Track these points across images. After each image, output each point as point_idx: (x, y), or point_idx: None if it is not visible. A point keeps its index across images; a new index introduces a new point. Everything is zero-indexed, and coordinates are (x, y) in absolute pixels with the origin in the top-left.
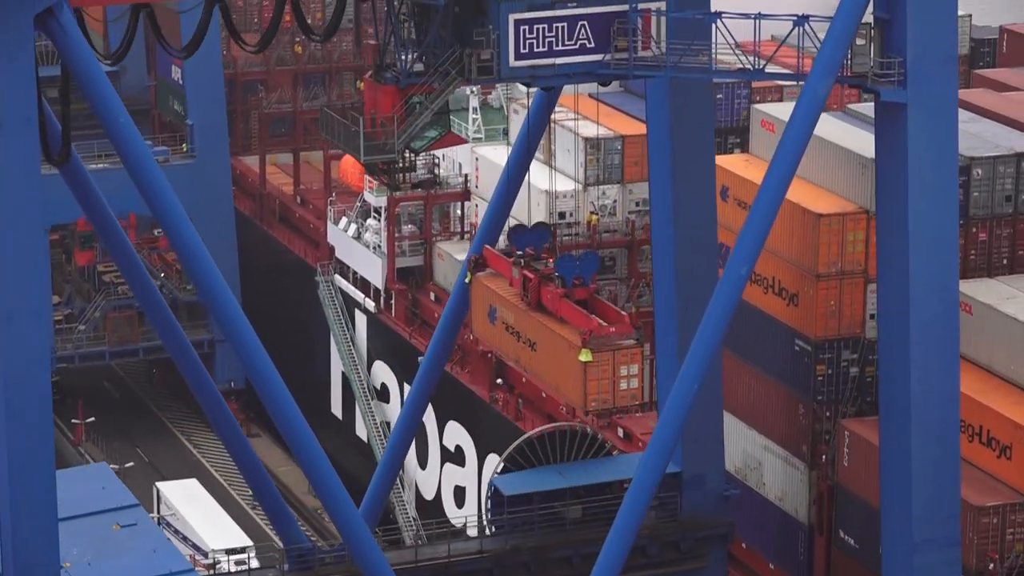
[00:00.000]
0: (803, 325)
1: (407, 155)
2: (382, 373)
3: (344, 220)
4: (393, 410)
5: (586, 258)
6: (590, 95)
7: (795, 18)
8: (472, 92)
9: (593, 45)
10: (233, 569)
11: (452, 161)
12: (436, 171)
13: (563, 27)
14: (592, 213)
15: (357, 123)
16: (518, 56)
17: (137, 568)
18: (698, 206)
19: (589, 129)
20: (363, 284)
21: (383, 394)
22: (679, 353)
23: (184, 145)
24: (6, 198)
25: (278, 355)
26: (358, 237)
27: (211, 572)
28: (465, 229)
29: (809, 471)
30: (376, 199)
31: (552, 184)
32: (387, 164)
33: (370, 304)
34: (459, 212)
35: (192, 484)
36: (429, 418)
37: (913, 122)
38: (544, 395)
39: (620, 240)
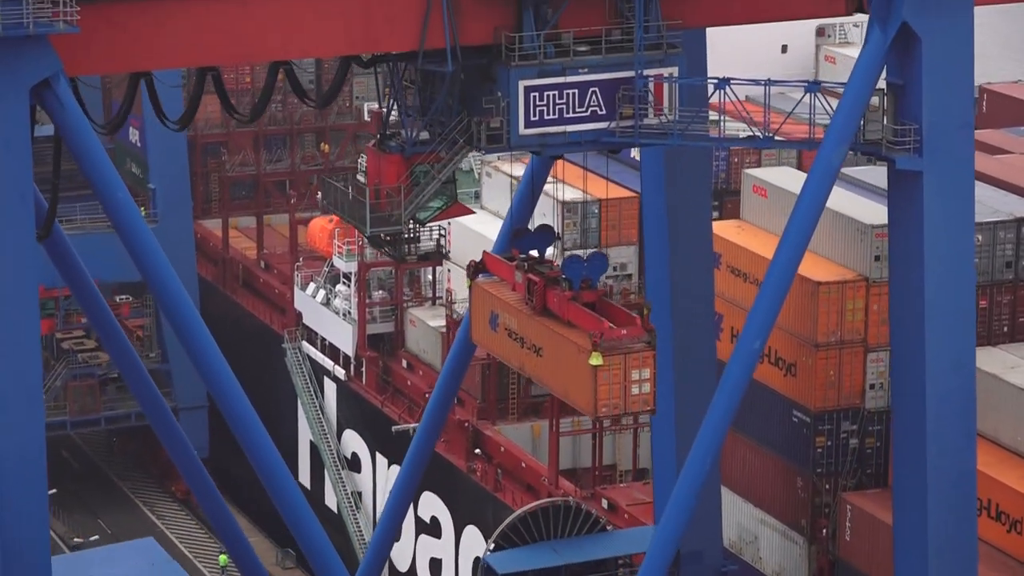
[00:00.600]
0: (801, 396)
1: (412, 226)
2: (353, 442)
3: (312, 286)
4: (365, 480)
5: (594, 259)
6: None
7: (806, 84)
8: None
9: (604, 112)
10: None
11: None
12: (442, 242)
13: (574, 94)
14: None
15: (363, 193)
16: (528, 124)
17: None
18: (695, 274)
19: (566, 193)
20: (332, 351)
21: (354, 463)
22: (676, 424)
23: (143, 209)
24: (1, 278)
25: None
26: (327, 303)
27: None
28: (438, 295)
29: (808, 545)
30: (346, 264)
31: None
32: (392, 236)
33: (340, 371)
34: (430, 278)
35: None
36: None
37: (929, 190)
38: (524, 465)
39: None
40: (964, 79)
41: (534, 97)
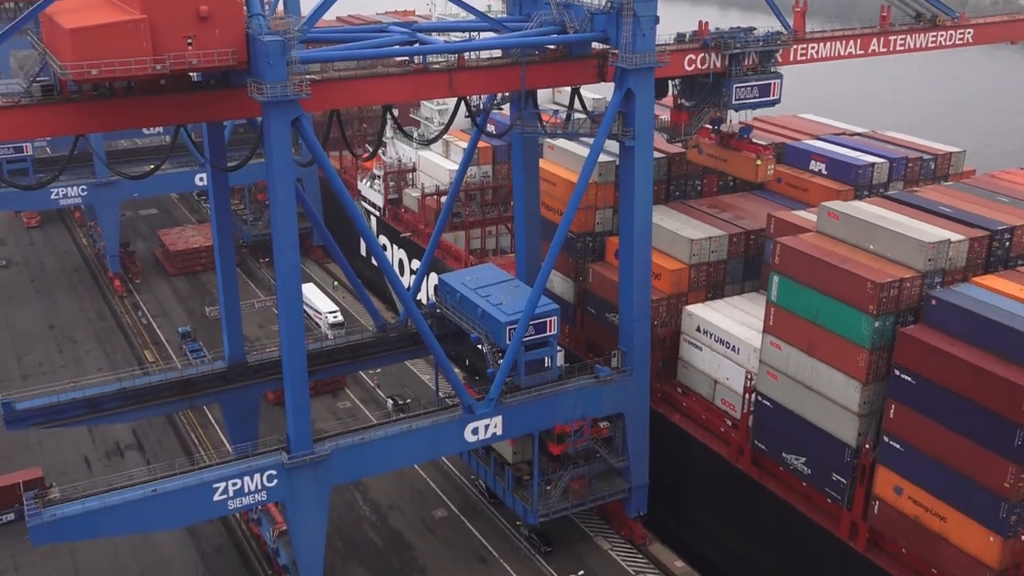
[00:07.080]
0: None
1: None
2: (383, 240)
3: (365, 181)
4: (390, 254)
5: (744, 129)
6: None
7: (590, 113)
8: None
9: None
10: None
11: (406, 155)
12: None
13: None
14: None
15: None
16: (737, 99)
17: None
18: (533, 191)
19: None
20: (372, 204)
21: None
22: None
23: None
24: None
25: (340, 227)
26: (370, 186)
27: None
28: (415, 184)
29: (574, 282)
30: (377, 172)
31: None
32: (686, 138)
33: (376, 212)
34: (409, 179)
35: (308, 287)
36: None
37: (638, 156)
38: None
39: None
40: (650, 111)
41: (739, 91)
